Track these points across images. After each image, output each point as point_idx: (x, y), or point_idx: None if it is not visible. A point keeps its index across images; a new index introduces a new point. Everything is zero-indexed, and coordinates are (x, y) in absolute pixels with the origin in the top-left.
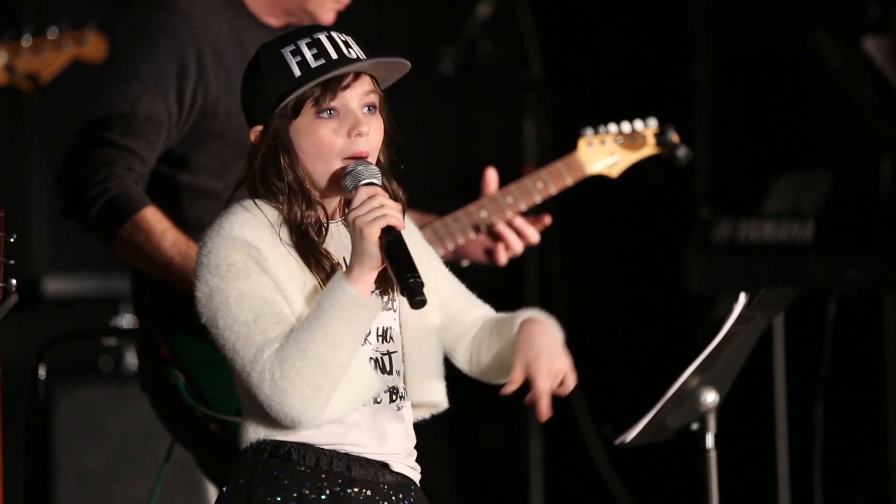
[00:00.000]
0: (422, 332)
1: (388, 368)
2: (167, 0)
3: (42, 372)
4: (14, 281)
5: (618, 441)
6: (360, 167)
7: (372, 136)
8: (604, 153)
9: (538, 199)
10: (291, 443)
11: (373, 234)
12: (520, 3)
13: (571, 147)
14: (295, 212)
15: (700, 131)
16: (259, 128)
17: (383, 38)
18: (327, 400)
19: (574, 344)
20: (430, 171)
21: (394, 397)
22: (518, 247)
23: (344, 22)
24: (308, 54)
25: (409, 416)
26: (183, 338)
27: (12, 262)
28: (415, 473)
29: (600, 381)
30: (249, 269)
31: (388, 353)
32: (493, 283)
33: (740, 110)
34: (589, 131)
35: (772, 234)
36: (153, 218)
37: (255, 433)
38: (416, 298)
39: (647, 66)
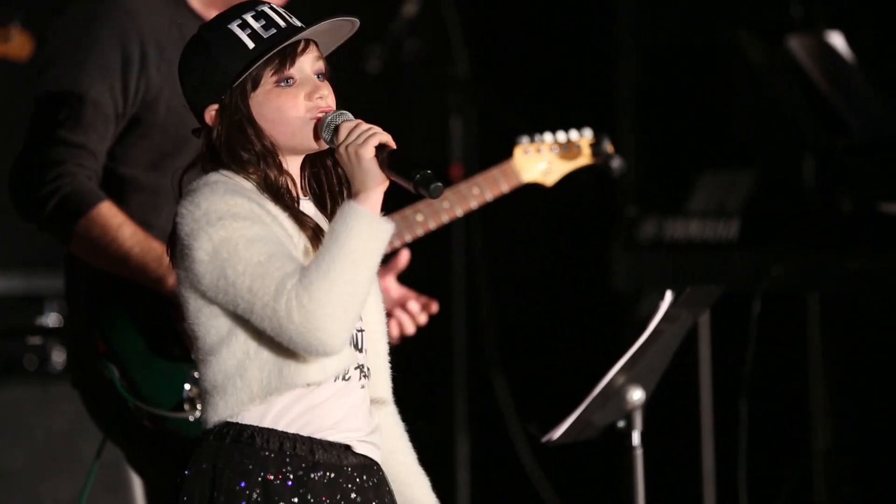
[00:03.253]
0: (378, 330)
1: (359, 345)
2: None
3: None
4: None
5: (544, 439)
6: (332, 115)
7: (329, 100)
8: (539, 161)
9: (474, 204)
10: (254, 427)
11: (368, 153)
12: (446, 2)
13: (497, 146)
14: (270, 177)
15: (625, 129)
16: (216, 106)
17: None
18: (353, 323)
19: (500, 341)
20: None
21: (361, 376)
22: (411, 329)
23: None
24: (256, 26)
25: (368, 397)
26: (119, 332)
27: None
28: (377, 453)
29: (527, 379)
30: (254, 218)
31: (360, 331)
32: (419, 283)
33: (665, 108)
34: (524, 139)
35: (697, 232)
36: (109, 212)
37: (217, 415)
38: (432, 186)
39: (573, 65)
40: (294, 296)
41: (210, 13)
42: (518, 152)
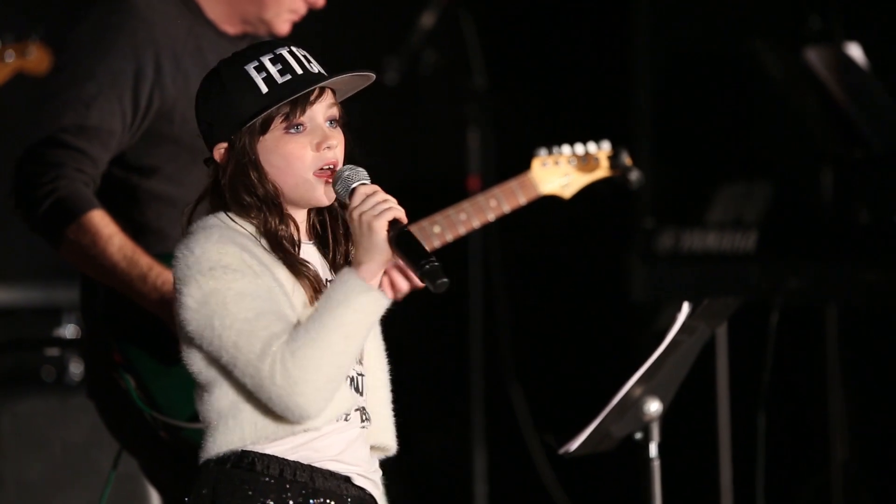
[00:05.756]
0: (379, 377)
1: (360, 389)
2: (125, 2)
3: None
4: None
5: (562, 451)
6: (348, 172)
7: (338, 149)
8: (557, 174)
9: (492, 216)
10: (255, 453)
11: (381, 227)
12: (463, 14)
13: (514, 158)
14: (270, 224)
15: (643, 141)
16: (225, 145)
17: (326, 48)
18: (334, 393)
19: (517, 353)
20: (373, 181)
21: (363, 419)
22: (405, 287)
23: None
24: (273, 70)
25: (368, 438)
26: (136, 342)
27: None
28: (377, 491)
29: (544, 391)
30: (244, 271)
31: (361, 375)
32: (435, 295)
33: (683, 120)
34: (543, 151)
35: (715, 244)
36: (101, 221)
37: (218, 445)
38: (438, 282)
39: (590, 77)
40: (279, 358)
41: (226, 27)
42: (536, 164)
